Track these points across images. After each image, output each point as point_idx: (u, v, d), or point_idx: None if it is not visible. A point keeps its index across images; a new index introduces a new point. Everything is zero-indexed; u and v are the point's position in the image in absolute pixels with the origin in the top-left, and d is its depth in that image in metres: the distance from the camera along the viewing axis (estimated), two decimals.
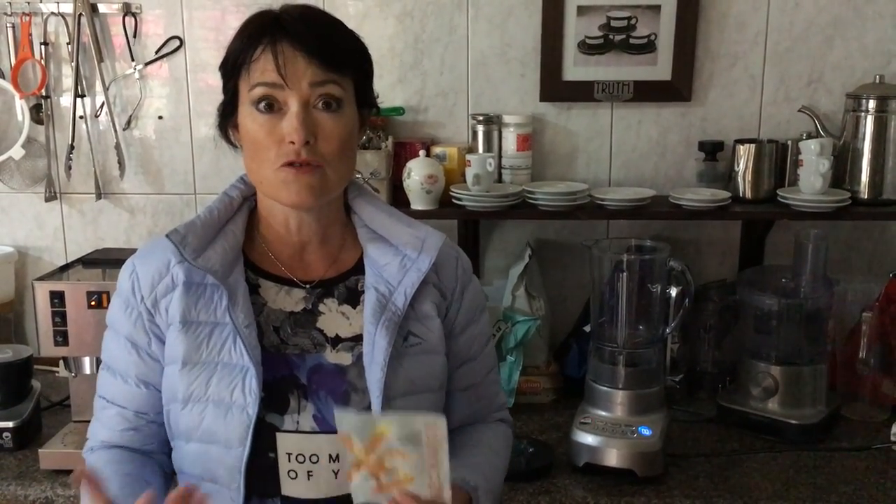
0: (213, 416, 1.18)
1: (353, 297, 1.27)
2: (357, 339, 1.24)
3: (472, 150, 2.25)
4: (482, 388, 1.38)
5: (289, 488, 1.19)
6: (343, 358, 1.23)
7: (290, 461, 1.19)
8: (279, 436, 1.18)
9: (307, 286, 1.27)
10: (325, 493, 1.20)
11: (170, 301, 1.23)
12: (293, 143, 1.16)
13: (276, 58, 1.15)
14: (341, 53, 1.19)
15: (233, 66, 1.20)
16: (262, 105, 1.17)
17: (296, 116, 1.16)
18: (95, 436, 1.31)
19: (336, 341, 1.24)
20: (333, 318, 1.26)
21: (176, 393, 1.21)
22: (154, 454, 1.30)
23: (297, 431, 1.19)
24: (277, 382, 1.20)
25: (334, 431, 1.18)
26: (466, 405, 1.36)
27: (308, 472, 1.19)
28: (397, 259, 1.26)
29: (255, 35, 1.17)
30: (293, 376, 1.21)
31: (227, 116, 1.25)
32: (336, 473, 1.20)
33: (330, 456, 1.19)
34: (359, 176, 2.09)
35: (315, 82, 1.16)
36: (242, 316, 1.20)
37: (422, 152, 2.17)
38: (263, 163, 1.19)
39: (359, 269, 1.29)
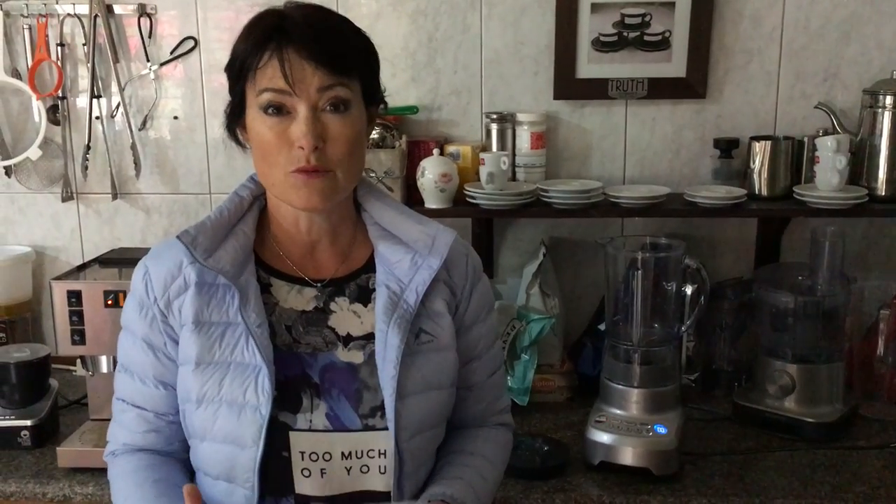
0: (227, 415, 1.18)
1: (365, 296, 1.27)
2: (368, 337, 1.24)
3: (485, 148, 2.25)
4: (485, 390, 1.37)
5: (302, 486, 1.20)
6: (355, 356, 1.23)
7: (303, 460, 1.19)
8: (292, 434, 1.19)
9: (318, 285, 1.27)
10: (338, 491, 1.21)
11: (182, 302, 1.23)
12: (302, 147, 1.16)
13: (283, 66, 1.15)
14: (348, 56, 1.19)
15: (239, 70, 1.19)
16: (270, 110, 1.17)
17: (304, 122, 1.16)
18: (116, 439, 1.32)
19: (348, 340, 1.24)
20: (345, 316, 1.26)
21: (190, 393, 1.21)
22: (177, 454, 1.31)
23: (309, 430, 1.19)
24: (290, 381, 1.20)
25: (347, 429, 1.19)
26: (468, 405, 1.36)
27: (321, 470, 1.19)
28: (408, 257, 1.26)
29: (261, 40, 1.16)
30: (305, 375, 1.21)
31: (236, 117, 1.25)
32: (349, 471, 1.20)
33: (343, 454, 1.20)
34: (373, 175, 2.10)
35: (322, 87, 1.16)
36: (254, 315, 1.20)
37: (435, 151, 2.17)
38: (273, 166, 1.19)
39: (370, 266, 1.29)
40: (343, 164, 1.19)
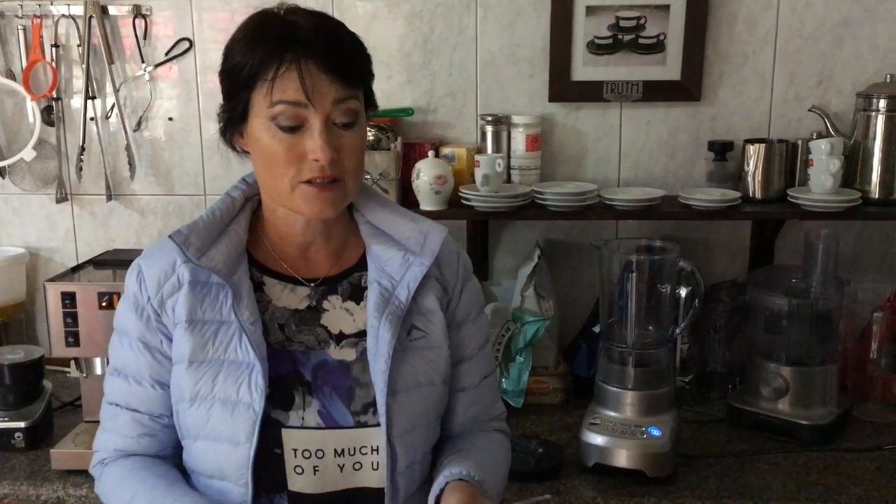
0: (220, 413, 1.18)
1: (357, 294, 1.28)
2: (360, 335, 1.25)
3: (480, 150, 2.25)
4: (478, 392, 1.36)
5: (295, 483, 1.20)
6: (347, 354, 1.24)
7: (295, 457, 1.19)
8: (285, 432, 1.19)
9: (311, 284, 1.28)
10: (331, 488, 1.21)
11: (176, 301, 1.23)
12: (317, 160, 1.16)
13: (303, 79, 1.14)
14: (357, 68, 1.20)
15: (248, 78, 1.16)
16: (283, 124, 1.16)
17: (320, 135, 1.15)
18: (106, 447, 1.30)
19: (340, 338, 1.25)
20: (337, 314, 1.26)
21: (183, 392, 1.21)
22: (169, 461, 1.29)
23: (302, 427, 1.19)
24: (282, 379, 1.21)
25: (339, 427, 1.19)
26: (462, 409, 1.35)
27: (314, 467, 1.20)
28: (400, 254, 1.27)
29: (275, 50, 1.14)
30: (298, 373, 1.22)
31: (235, 124, 1.23)
32: (342, 468, 1.20)
33: (335, 451, 1.20)
34: (368, 177, 2.09)
35: (337, 99, 1.16)
36: (247, 313, 1.20)
37: (431, 153, 2.17)
38: (282, 178, 1.18)
39: (362, 265, 1.29)
40: (353, 172, 1.21)
